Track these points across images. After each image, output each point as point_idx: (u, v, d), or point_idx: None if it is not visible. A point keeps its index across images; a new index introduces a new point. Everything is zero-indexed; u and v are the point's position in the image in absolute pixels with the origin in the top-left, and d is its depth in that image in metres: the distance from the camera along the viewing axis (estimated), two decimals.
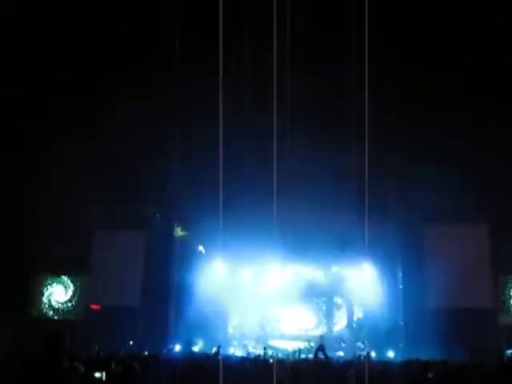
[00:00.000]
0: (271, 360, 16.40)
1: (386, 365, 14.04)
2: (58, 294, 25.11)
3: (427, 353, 20.93)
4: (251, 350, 25.74)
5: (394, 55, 20.78)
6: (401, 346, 23.24)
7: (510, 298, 22.71)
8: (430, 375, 12.53)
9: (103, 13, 20.85)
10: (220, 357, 18.27)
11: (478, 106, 21.36)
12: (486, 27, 21.00)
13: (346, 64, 20.02)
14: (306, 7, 19.99)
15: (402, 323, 23.61)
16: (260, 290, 27.61)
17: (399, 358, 21.01)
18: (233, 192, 22.46)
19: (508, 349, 20.00)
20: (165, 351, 22.30)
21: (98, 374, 6.43)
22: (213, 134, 23.06)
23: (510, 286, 22.85)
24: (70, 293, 25.11)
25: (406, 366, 13.41)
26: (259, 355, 21.62)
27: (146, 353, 19.92)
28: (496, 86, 21.31)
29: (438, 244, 22.89)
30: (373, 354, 23.86)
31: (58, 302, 25.05)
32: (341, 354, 24.26)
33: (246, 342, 26.77)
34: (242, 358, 18.27)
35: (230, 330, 27.92)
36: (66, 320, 24.72)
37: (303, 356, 23.16)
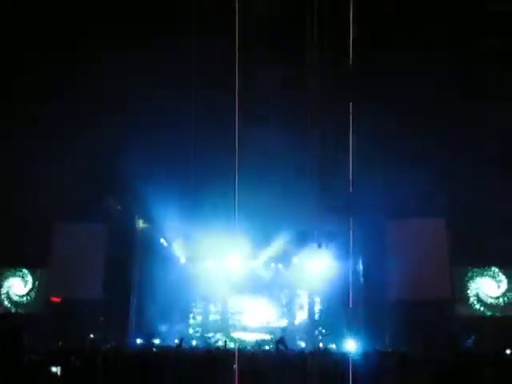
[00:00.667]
0: (232, 351, 16.43)
1: (344, 356, 14.20)
2: (17, 286, 24.71)
3: (388, 344, 21.46)
4: (213, 342, 25.87)
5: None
6: (362, 337, 23.53)
7: (466, 288, 23.26)
8: (390, 365, 12.81)
9: None
10: (182, 349, 18.35)
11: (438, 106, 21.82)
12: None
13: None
14: None
15: (362, 315, 23.90)
16: (221, 282, 27.67)
17: (360, 350, 21.33)
18: (194, 185, 22.48)
19: (467, 338, 20.48)
20: (126, 344, 22.27)
21: (54, 369, 6.36)
22: (174, 125, 23.02)
23: (466, 277, 23.39)
24: (29, 285, 24.72)
25: (365, 356, 13.63)
26: (221, 347, 21.75)
27: (108, 346, 19.86)
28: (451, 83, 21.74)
29: (398, 238, 23.25)
30: (333, 346, 24.19)
31: (17, 295, 24.66)
32: (302, 345, 24.47)
33: (207, 334, 26.82)
34: (204, 350, 18.32)
35: (192, 323, 27.93)
36: (26, 313, 24.36)
37: (265, 347, 23.41)
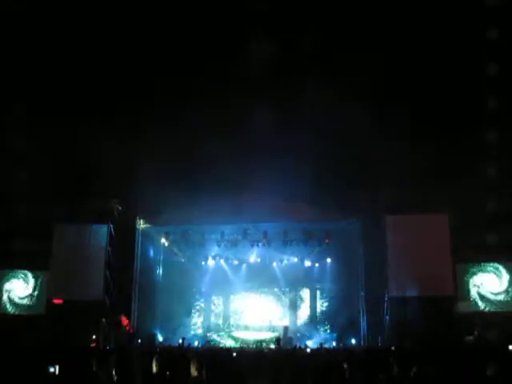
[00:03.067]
0: (234, 351, 16.46)
1: (347, 352, 14.18)
2: (19, 288, 24.69)
3: (388, 340, 21.43)
4: (216, 341, 25.89)
5: None
6: (363, 334, 23.54)
7: (468, 285, 23.20)
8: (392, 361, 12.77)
9: None
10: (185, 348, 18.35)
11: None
12: None
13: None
14: None
15: (364, 312, 23.89)
16: (223, 281, 27.71)
17: (362, 346, 21.34)
18: (195, 184, 22.50)
19: (467, 335, 20.44)
20: (129, 345, 22.24)
21: (51, 369, 6.35)
22: (175, 127, 23.06)
23: (468, 273, 23.33)
24: (30, 287, 24.71)
25: (367, 352, 13.61)
26: (223, 346, 21.76)
27: (108, 347, 19.87)
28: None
29: (399, 234, 23.16)
30: (334, 344, 24.21)
31: (19, 297, 24.64)
32: (308, 343, 24.48)
33: (210, 333, 26.84)
34: (207, 349, 18.34)
35: (195, 322, 27.97)
36: (28, 315, 24.34)
37: (267, 346, 23.39)
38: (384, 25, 21.83)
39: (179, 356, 12.57)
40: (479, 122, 22.47)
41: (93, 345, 21.55)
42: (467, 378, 11.88)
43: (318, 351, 16.34)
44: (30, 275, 24.79)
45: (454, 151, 22.03)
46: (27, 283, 24.73)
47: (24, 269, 24.75)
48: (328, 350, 17.26)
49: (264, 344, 24.27)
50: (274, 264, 27.75)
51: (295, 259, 27.41)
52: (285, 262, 27.68)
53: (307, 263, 27.31)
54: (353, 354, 13.23)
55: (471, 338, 20.32)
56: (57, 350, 11.01)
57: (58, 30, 21.43)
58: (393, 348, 14.89)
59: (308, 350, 18.01)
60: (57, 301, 23.71)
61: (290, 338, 24.68)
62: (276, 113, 22.23)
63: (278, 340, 16.37)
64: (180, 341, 20.29)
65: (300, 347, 18.75)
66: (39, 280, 24.69)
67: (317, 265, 27.40)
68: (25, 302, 24.66)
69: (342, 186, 22.61)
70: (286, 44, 21.84)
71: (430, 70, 21.97)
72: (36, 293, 24.66)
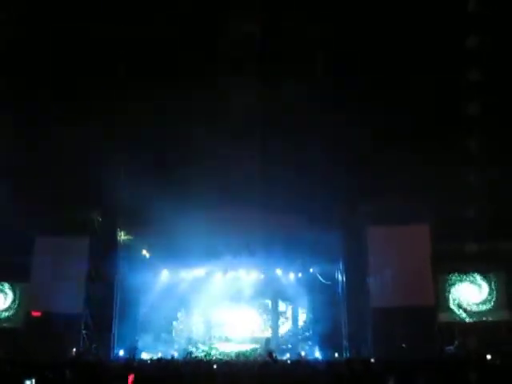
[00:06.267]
0: (214, 364, 16.38)
1: (328, 364, 14.17)
2: None
3: (369, 352, 21.45)
4: (196, 353, 25.71)
5: None
6: (345, 345, 23.54)
7: (448, 296, 23.33)
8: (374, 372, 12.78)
9: None
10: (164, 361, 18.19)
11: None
12: None
13: None
14: None
15: (345, 323, 23.90)
16: (205, 293, 27.58)
17: (343, 357, 21.33)
18: (177, 196, 22.42)
19: (447, 345, 20.54)
20: (109, 357, 22.08)
21: (28, 382, 6.30)
22: (158, 135, 23.00)
23: (448, 284, 23.47)
24: (9, 300, 24.44)
25: (348, 363, 13.61)
26: (203, 359, 21.63)
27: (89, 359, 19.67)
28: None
29: (380, 245, 23.26)
30: (317, 355, 24.19)
31: None
32: (287, 355, 24.43)
33: (191, 345, 26.66)
34: (185, 362, 18.22)
35: (176, 334, 27.81)
36: (6, 328, 24.07)
37: (249, 358, 23.30)
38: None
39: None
40: (459, 132, 22.75)
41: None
42: None
43: (298, 364, 16.29)
44: (7, 287, 24.54)
45: (434, 162, 22.21)
46: (6, 295, 24.47)
47: (2, 281, 24.50)
48: (308, 363, 17.22)
49: (244, 356, 24.17)
50: (257, 275, 27.70)
51: (278, 270, 27.38)
52: (267, 273, 27.65)
53: (290, 274, 27.30)
54: (331, 365, 13.23)
55: (452, 347, 20.43)
56: (34, 364, 10.93)
57: None
58: (372, 360, 14.90)
59: (288, 362, 17.98)
60: (35, 313, 23.47)
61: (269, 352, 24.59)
62: (263, 126, 22.33)
63: (270, 353, 16.33)
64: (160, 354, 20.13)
65: (279, 359, 18.67)
66: (17, 292, 24.45)
67: (299, 276, 27.39)
68: (4, 314, 24.39)
69: (324, 197, 22.65)
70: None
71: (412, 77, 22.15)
72: (15, 305, 24.40)
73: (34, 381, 6.02)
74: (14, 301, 24.44)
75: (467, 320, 22.92)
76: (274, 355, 16.04)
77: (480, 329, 22.28)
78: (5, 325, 24.21)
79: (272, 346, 25.61)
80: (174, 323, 28.02)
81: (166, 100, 21.85)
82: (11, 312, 24.39)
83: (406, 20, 21.95)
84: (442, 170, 22.20)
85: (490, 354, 16.29)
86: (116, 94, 22.09)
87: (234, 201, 22.68)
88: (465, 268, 23.51)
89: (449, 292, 23.38)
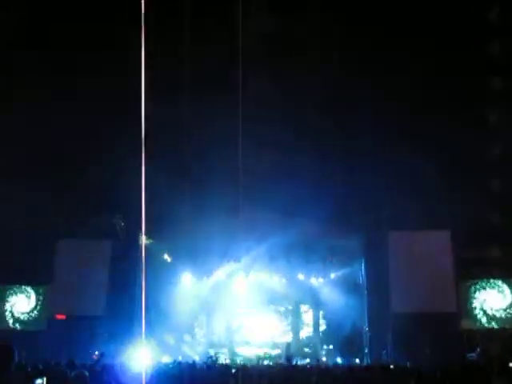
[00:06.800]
0: (235, 368, 16.39)
1: (347, 369, 14.12)
2: (21, 304, 24.69)
3: (391, 358, 21.30)
4: (219, 358, 25.73)
5: None
6: (366, 351, 23.41)
7: (471, 302, 23.10)
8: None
9: None
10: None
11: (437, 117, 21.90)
12: None
13: None
14: None
15: (366, 329, 23.78)
16: (226, 297, 27.62)
17: (364, 363, 21.21)
18: (197, 200, 22.52)
19: (469, 352, 20.30)
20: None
21: (39, 381, 6.37)
22: (178, 142, 23.08)
23: (471, 290, 23.23)
24: (32, 303, 24.71)
25: (367, 369, 13.55)
26: (226, 364, 21.65)
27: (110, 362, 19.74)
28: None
29: (402, 250, 23.15)
30: (338, 360, 24.07)
31: (21, 313, 24.64)
32: (307, 360, 24.34)
33: (212, 350, 26.68)
34: (208, 367, 18.23)
35: (198, 339, 27.87)
36: (30, 331, 24.33)
37: (269, 363, 23.28)
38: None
39: None
40: (481, 137, 22.53)
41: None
42: None
43: (318, 368, 16.26)
44: (31, 290, 24.80)
45: (456, 166, 22.05)
46: (29, 298, 24.75)
47: (25, 284, 24.79)
48: (328, 368, 17.17)
49: (265, 361, 24.17)
50: (277, 280, 27.65)
51: (299, 276, 27.30)
52: (289, 277, 27.59)
53: (310, 280, 27.22)
54: (352, 371, 13.18)
55: (474, 354, 20.19)
56: (48, 365, 11.04)
57: None
58: (392, 366, 14.80)
59: (308, 367, 17.94)
60: (60, 316, 23.71)
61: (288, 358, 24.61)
62: (278, 132, 22.33)
63: (288, 358, 16.34)
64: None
65: (299, 364, 18.66)
66: (41, 295, 24.70)
67: (320, 281, 27.28)
68: (27, 317, 24.66)
69: (345, 202, 22.58)
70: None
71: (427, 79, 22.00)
72: (38, 308, 24.67)
73: (44, 379, 6.10)
74: (36, 304, 24.70)
75: (490, 326, 22.68)
76: (292, 360, 16.09)
77: (503, 335, 22.05)
78: (28, 327, 24.47)
79: (292, 351, 25.56)
80: (196, 327, 28.06)
81: (189, 106, 21.98)
82: (34, 314, 24.65)
83: None
84: (465, 175, 22.04)
85: None
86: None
87: (254, 205, 22.68)
88: (488, 274, 23.27)
89: (472, 298, 23.15)
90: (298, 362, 20.24)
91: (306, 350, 26.82)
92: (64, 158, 22.48)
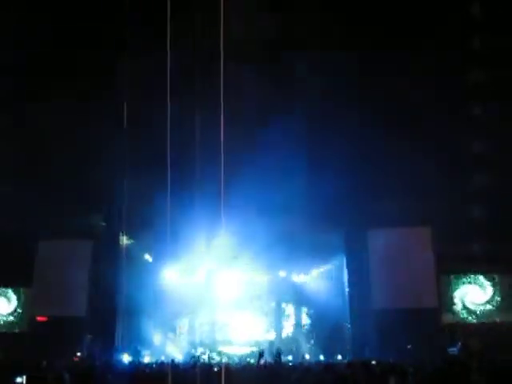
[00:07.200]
0: (216, 367, 16.35)
1: (327, 366, 14.13)
2: (1, 306, 24.48)
3: (373, 354, 21.40)
4: (201, 356, 25.66)
5: None
6: (348, 347, 23.51)
7: (452, 297, 23.30)
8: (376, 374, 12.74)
9: None
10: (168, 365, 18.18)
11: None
12: None
13: None
14: None
15: (348, 325, 23.88)
16: (208, 296, 27.55)
17: (346, 360, 21.28)
18: (179, 198, 22.38)
19: (450, 347, 20.47)
20: (113, 361, 22.07)
21: (19, 380, 6.38)
22: (160, 142, 22.99)
23: (452, 285, 23.44)
24: (13, 305, 24.51)
25: (349, 366, 13.59)
26: (207, 362, 21.60)
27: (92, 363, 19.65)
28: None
29: (382, 247, 23.26)
30: (321, 357, 24.13)
31: (1, 315, 24.43)
32: (289, 357, 24.37)
33: (194, 349, 26.62)
34: (190, 366, 18.19)
35: (180, 337, 27.78)
36: (11, 332, 24.13)
37: (252, 361, 23.29)
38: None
39: None
40: (463, 133, 22.70)
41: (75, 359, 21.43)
42: None
43: (301, 366, 16.28)
44: (11, 292, 24.59)
45: (436, 162, 22.19)
46: (9, 300, 24.53)
47: (5, 286, 24.57)
48: (311, 365, 17.19)
49: (248, 359, 24.16)
50: (260, 277, 27.67)
51: (282, 272, 27.34)
52: (271, 275, 27.61)
53: (293, 276, 27.27)
54: (334, 368, 13.22)
55: (455, 349, 20.36)
56: (29, 365, 11.00)
57: None
58: (373, 362, 14.87)
59: (291, 364, 17.96)
60: (41, 318, 23.55)
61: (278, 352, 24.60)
62: (265, 126, 22.31)
63: (260, 354, 16.31)
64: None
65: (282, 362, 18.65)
66: (21, 297, 24.50)
67: (302, 278, 27.35)
68: (8, 319, 24.45)
69: (327, 198, 22.63)
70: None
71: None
72: (18, 310, 24.47)
73: (25, 378, 6.08)
74: (17, 305, 24.51)
75: (471, 321, 22.89)
76: (281, 357, 16.16)
77: (484, 330, 22.27)
78: (9, 329, 24.27)
79: (274, 349, 25.54)
80: (178, 327, 27.98)
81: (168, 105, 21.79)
82: (15, 316, 24.45)
83: None
84: (445, 171, 22.19)
85: (493, 355, 16.22)
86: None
87: (236, 202, 22.62)
88: (468, 269, 23.48)
89: (452, 293, 23.37)
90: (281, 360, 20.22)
91: (289, 347, 26.81)
92: (43, 159, 22.28)
